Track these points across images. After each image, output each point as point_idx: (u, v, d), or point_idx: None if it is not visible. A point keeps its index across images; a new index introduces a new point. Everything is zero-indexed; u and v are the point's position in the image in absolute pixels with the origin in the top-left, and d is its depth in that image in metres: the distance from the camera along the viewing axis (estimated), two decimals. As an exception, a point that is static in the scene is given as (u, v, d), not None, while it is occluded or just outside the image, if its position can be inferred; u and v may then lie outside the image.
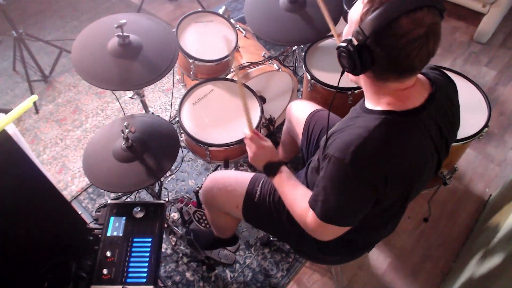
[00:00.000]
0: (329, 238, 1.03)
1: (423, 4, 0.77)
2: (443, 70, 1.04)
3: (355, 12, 0.85)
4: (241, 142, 1.58)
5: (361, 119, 0.92)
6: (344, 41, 0.86)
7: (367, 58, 0.83)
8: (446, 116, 0.97)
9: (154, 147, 1.44)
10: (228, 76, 1.87)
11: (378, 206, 0.97)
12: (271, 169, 1.14)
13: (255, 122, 1.64)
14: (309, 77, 1.79)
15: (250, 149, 1.18)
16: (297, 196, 1.08)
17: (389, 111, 0.89)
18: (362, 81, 0.96)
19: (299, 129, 1.52)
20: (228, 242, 1.70)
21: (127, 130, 1.34)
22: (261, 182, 1.32)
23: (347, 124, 0.94)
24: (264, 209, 1.28)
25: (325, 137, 1.00)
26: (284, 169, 1.14)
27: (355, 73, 0.89)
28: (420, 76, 0.97)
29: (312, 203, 0.98)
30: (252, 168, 1.94)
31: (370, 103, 0.95)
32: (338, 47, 0.88)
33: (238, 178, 1.36)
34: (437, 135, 0.96)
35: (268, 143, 1.18)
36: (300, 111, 1.55)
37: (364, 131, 0.87)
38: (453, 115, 1.02)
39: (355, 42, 0.83)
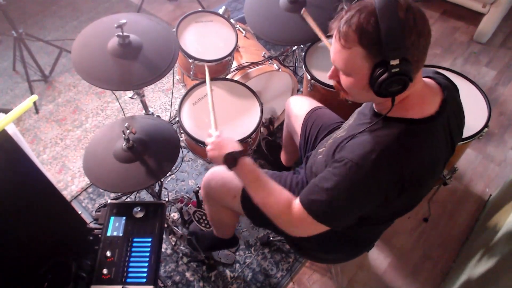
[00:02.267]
0: (307, 235, 1.00)
1: None
2: (443, 73, 1.05)
3: (352, 57, 0.84)
4: (241, 142, 1.58)
5: (378, 126, 0.91)
6: (381, 73, 0.81)
7: (408, 64, 0.82)
8: (455, 120, 0.98)
9: (155, 148, 1.44)
10: (228, 76, 1.87)
11: (385, 209, 0.97)
12: (231, 159, 1.08)
13: (255, 122, 1.64)
14: (309, 77, 1.79)
15: (209, 143, 1.17)
16: (271, 189, 1.04)
17: (407, 119, 0.88)
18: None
19: (298, 126, 1.52)
20: (229, 243, 1.70)
21: (128, 131, 1.34)
22: None
23: (361, 129, 0.93)
24: None
25: (331, 140, 0.99)
26: (248, 159, 1.08)
27: (407, 87, 0.85)
28: (429, 81, 0.97)
29: (309, 201, 0.95)
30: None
31: (382, 110, 0.93)
32: (383, 82, 0.82)
33: None
34: (448, 139, 0.96)
35: (229, 136, 1.14)
36: (299, 107, 1.55)
37: (383, 139, 0.87)
38: (460, 118, 1.03)
39: (396, 61, 0.80)
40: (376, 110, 0.96)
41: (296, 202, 0.98)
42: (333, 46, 0.89)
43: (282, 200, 1.01)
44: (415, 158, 0.87)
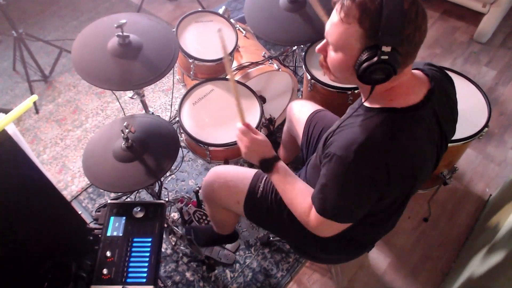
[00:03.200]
0: (330, 235, 1.03)
1: None
2: (439, 66, 1.05)
3: (347, 34, 0.84)
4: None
5: (362, 118, 0.92)
6: (370, 57, 0.81)
7: (397, 56, 0.81)
8: (445, 112, 0.98)
9: (154, 147, 1.44)
10: (228, 77, 1.87)
11: (380, 203, 0.97)
12: (267, 164, 1.11)
13: (255, 122, 1.64)
14: (309, 77, 1.79)
15: (242, 143, 1.13)
16: (297, 193, 1.07)
17: (390, 108, 0.89)
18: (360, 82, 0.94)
19: (300, 129, 1.53)
20: (228, 239, 1.69)
21: (127, 130, 1.34)
22: (264, 178, 1.31)
23: (348, 122, 0.94)
24: (265, 206, 1.28)
25: (325, 135, 1.00)
26: (281, 164, 1.11)
27: (389, 78, 0.85)
28: (417, 72, 0.97)
29: (313, 200, 0.99)
30: (250, 165, 1.93)
31: (369, 102, 0.95)
32: (369, 67, 0.82)
33: (241, 174, 1.35)
34: (436, 130, 0.96)
35: (261, 136, 1.13)
36: (301, 111, 1.55)
37: (365, 129, 0.87)
38: (452, 111, 1.03)
39: (388, 49, 0.80)
40: (365, 105, 0.96)
41: (312, 207, 1.01)
42: (331, 18, 0.88)
43: (303, 206, 1.04)
44: (397, 145, 0.88)
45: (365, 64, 0.83)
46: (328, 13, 1.70)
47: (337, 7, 0.85)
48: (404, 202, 1.10)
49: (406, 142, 0.89)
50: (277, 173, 1.10)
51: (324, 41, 0.93)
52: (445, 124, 0.98)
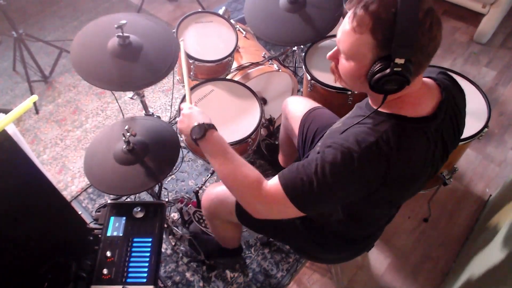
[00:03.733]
0: (274, 218, 0.98)
1: None
2: (453, 77, 1.03)
3: (359, 44, 0.82)
4: (241, 142, 1.58)
5: (371, 119, 0.90)
6: (382, 69, 0.80)
7: (410, 66, 0.80)
8: (451, 126, 0.96)
9: (155, 149, 1.43)
10: (228, 77, 1.87)
11: (366, 200, 0.95)
12: (199, 130, 1.04)
13: (255, 123, 1.65)
14: (309, 78, 1.79)
15: (181, 117, 1.12)
16: (241, 164, 0.99)
17: (400, 116, 0.88)
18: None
19: (295, 127, 1.52)
20: (233, 253, 1.72)
21: (128, 134, 1.34)
22: None
23: (355, 121, 0.92)
24: None
25: (328, 131, 0.98)
26: (217, 133, 1.04)
27: (402, 88, 0.83)
28: (429, 81, 0.95)
29: (288, 179, 0.90)
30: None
31: (376, 104, 0.93)
32: (382, 78, 0.81)
33: None
34: (440, 145, 0.95)
35: (201, 110, 1.12)
36: (296, 107, 1.55)
37: (375, 131, 0.86)
38: (459, 125, 1.00)
39: (401, 61, 0.78)
40: (371, 104, 0.96)
41: (272, 180, 0.94)
42: (342, 26, 0.86)
43: (253, 175, 0.96)
44: (402, 155, 0.86)
45: (377, 75, 0.81)
46: (324, 14, 1.71)
47: (350, 15, 0.83)
48: (391, 207, 1.08)
49: (408, 153, 0.88)
50: (211, 140, 1.03)
51: (336, 48, 0.91)
52: (448, 139, 0.96)
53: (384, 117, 0.89)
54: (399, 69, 0.78)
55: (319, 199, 0.90)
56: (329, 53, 0.93)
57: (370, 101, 0.97)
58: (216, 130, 1.06)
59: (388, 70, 0.79)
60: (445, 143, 0.96)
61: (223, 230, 1.51)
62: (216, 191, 1.38)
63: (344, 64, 0.89)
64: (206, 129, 1.04)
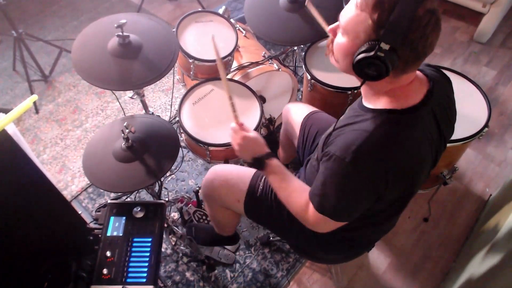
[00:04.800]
0: (328, 231, 1.04)
1: None
2: (438, 67, 1.05)
3: (357, 21, 0.84)
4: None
5: (362, 118, 0.92)
6: (368, 50, 0.82)
7: (395, 58, 0.82)
8: (444, 112, 0.98)
9: (154, 147, 1.44)
10: (228, 76, 1.87)
11: (378, 204, 0.97)
12: (260, 161, 1.11)
13: (255, 122, 1.65)
14: (309, 77, 1.79)
15: (235, 142, 1.14)
16: (293, 190, 1.07)
17: (390, 110, 0.89)
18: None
19: (296, 131, 1.53)
20: (229, 240, 1.69)
21: (127, 130, 1.34)
22: (264, 177, 1.31)
23: (347, 122, 0.94)
24: (265, 204, 1.28)
25: (323, 136, 1.00)
26: (275, 162, 1.11)
27: (381, 78, 0.85)
28: (417, 72, 0.97)
29: (311, 197, 0.99)
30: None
31: (369, 103, 0.95)
32: (364, 59, 0.83)
33: (241, 172, 1.35)
34: (435, 130, 0.96)
35: (254, 134, 1.14)
36: (297, 113, 1.56)
37: (365, 130, 0.87)
38: (451, 110, 1.03)
39: (386, 47, 0.80)
40: (363, 103, 0.97)
41: (310, 204, 1.01)
42: (350, 2, 0.89)
43: (302, 200, 1.03)
44: (396, 147, 0.88)
45: (361, 55, 0.83)
46: (326, 18, 1.71)
47: None
48: (404, 203, 1.10)
49: (405, 144, 0.89)
50: (271, 170, 1.10)
51: (337, 22, 0.93)
52: (443, 124, 0.98)
53: (375, 113, 0.90)
54: (382, 54, 0.80)
55: (347, 208, 0.97)
56: (331, 26, 0.96)
57: (362, 99, 0.98)
58: (274, 156, 1.12)
59: (372, 53, 0.81)
60: (440, 129, 0.97)
61: (221, 212, 1.46)
62: (225, 173, 1.35)
63: (339, 40, 0.91)
64: (265, 162, 1.11)
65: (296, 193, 1.06)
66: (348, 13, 0.86)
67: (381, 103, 0.91)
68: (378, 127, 0.87)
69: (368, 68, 0.84)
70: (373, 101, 0.93)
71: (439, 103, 0.96)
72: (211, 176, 1.37)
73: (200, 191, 1.67)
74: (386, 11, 0.79)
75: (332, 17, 1.80)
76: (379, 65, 0.82)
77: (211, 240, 1.69)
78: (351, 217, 1.00)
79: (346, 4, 0.89)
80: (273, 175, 1.10)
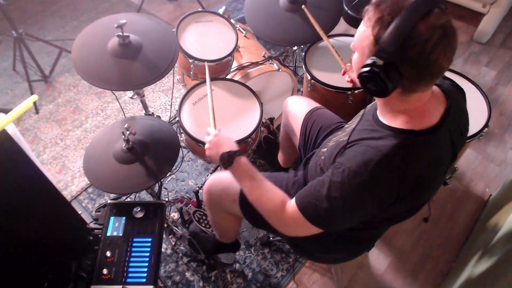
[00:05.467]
0: (300, 235, 1.01)
1: (432, 6, 0.78)
2: (450, 78, 1.04)
3: (363, 36, 0.85)
4: (241, 142, 1.58)
5: (379, 135, 0.90)
6: (366, 65, 0.83)
7: (395, 75, 0.81)
8: (458, 128, 0.97)
9: (155, 148, 1.43)
10: (228, 76, 1.87)
11: (381, 213, 0.97)
12: (227, 157, 1.09)
13: (255, 122, 1.64)
14: (309, 77, 1.79)
15: (207, 141, 1.17)
16: (267, 189, 1.05)
17: (408, 131, 0.88)
18: (378, 98, 0.94)
19: (296, 126, 1.52)
20: (230, 247, 1.70)
21: (127, 132, 1.34)
22: None
23: (362, 136, 0.93)
24: None
25: (333, 143, 0.99)
26: (243, 159, 1.09)
27: (385, 94, 0.85)
28: (434, 88, 0.96)
29: (304, 203, 0.96)
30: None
31: (385, 119, 0.93)
32: (362, 73, 0.84)
33: None
34: (449, 148, 0.95)
35: (227, 135, 1.14)
36: (297, 107, 1.55)
37: (382, 149, 0.86)
38: (464, 125, 1.02)
39: (380, 62, 0.81)
40: (378, 117, 0.95)
41: (291, 202, 0.99)
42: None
43: (277, 199, 1.02)
44: (412, 170, 0.87)
45: (362, 70, 0.84)
46: (324, 14, 1.72)
47: (367, 7, 0.87)
48: (405, 216, 1.09)
49: (420, 168, 0.88)
50: (240, 168, 1.08)
51: None
52: (456, 141, 0.97)
53: (392, 131, 0.89)
54: (377, 69, 0.81)
55: (336, 219, 0.95)
56: (352, 43, 0.97)
57: (378, 112, 0.97)
58: (242, 155, 1.11)
59: (368, 68, 0.82)
60: (454, 145, 0.97)
61: (222, 219, 1.48)
62: (220, 178, 1.36)
63: (354, 55, 0.93)
64: (233, 157, 1.09)
65: (271, 192, 1.04)
66: (359, 29, 0.88)
67: (398, 122, 0.90)
68: (395, 148, 0.86)
69: (367, 83, 0.85)
70: (390, 118, 0.92)
71: (454, 119, 0.95)
72: (209, 184, 1.39)
73: (201, 199, 1.68)
74: (384, 27, 0.80)
75: (332, 18, 1.81)
76: (376, 80, 0.82)
77: (214, 248, 1.70)
78: (340, 228, 0.99)
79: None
80: (242, 173, 1.08)
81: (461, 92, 1.03)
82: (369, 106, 1.08)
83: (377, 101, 0.96)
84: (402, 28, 0.78)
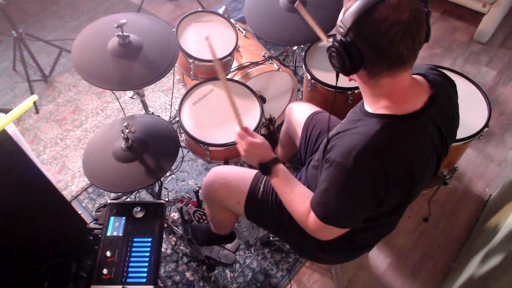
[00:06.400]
0: (330, 238, 1.04)
1: None
2: (442, 70, 1.05)
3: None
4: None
5: (362, 123, 0.92)
6: (332, 41, 0.87)
7: (354, 53, 0.84)
8: (446, 118, 0.98)
9: (154, 147, 1.43)
10: (228, 76, 1.87)
11: (379, 208, 0.97)
12: (266, 167, 1.12)
13: (255, 122, 1.64)
14: (309, 77, 1.79)
15: (241, 147, 1.15)
16: (296, 196, 1.08)
17: (389, 115, 0.89)
18: (358, 82, 0.96)
19: (299, 130, 1.53)
20: (226, 239, 1.69)
21: (127, 130, 1.34)
22: (265, 179, 1.31)
23: (348, 127, 0.94)
24: (266, 206, 1.28)
25: (325, 139, 1.00)
26: (280, 167, 1.11)
27: (348, 72, 0.89)
28: (418, 77, 0.97)
29: (313, 205, 0.99)
30: (251, 167, 1.93)
31: (369, 106, 0.95)
32: (328, 48, 0.89)
33: (241, 174, 1.35)
34: (437, 137, 0.96)
35: (260, 139, 1.14)
36: (300, 113, 1.55)
37: (365, 136, 0.87)
38: (453, 116, 1.02)
39: (339, 38, 0.85)
40: (364, 107, 0.97)
41: (311, 211, 1.01)
42: None
43: (302, 208, 1.04)
44: (396, 152, 0.88)
45: (329, 46, 0.90)
46: (324, 14, 1.71)
47: None
48: (404, 206, 1.10)
49: (406, 150, 0.89)
50: (276, 176, 1.11)
51: None
52: (445, 130, 0.97)
53: (375, 117, 0.90)
54: (336, 44, 0.86)
55: (341, 213, 0.96)
56: None
57: (364, 102, 0.98)
58: (280, 162, 1.12)
59: (330, 43, 0.88)
60: (442, 136, 0.97)
61: (220, 213, 1.47)
62: (225, 174, 1.36)
63: None
64: (272, 167, 1.11)
65: (299, 199, 1.06)
66: None
67: (380, 107, 0.91)
68: (378, 132, 0.87)
69: (332, 59, 0.91)
70: (372, 104, 0.93)
71: (441, 108, 0.95)
72: (211, 178, 1.37)
73: (200, 191, 1.67)
74: (347, 6, 0.84)
75: (332, 18, 1.81)
76: (338, 56, 0.87)
77: (208, 240, 1.69)
78: (354, 224, 1.00)
79: None
80: (278, 180, 1.11)
81: (451, 84, 1.03)
82: (359, 103, 1.08)
83: (359, 86, 0.97)
84: (360, 7, 0.80)
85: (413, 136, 0.90)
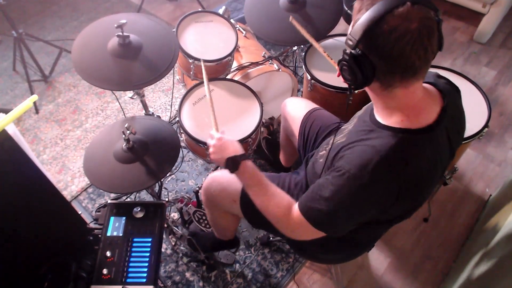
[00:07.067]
0: (306, 239, 1.02)
1: (405, 0, 0.79)
2: (442, 70, 1.04)
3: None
4: (241, 142, 1.58)
5: (375, 134, 0.90)
6: (343, 54, 0.86)
7: (366, 65, 0.83)
8: (455, 127, 0.97)
9: (155, 148, 1.44)
10: (228, 76, 1.87)
11: (383, 215, 0.97)
12: (233, 161, 1.08)
13: (255, 122, 1.65)
14: (309, 77, 1.79)
15: (210, 143, 1.15)
16: (273, 194, 1.05)
17: (404, 129, 0.88)
18: (371, 95, 0.94)
19: (295, 128, 1.52)
20: (229, 244, 1.70)
21: (128, 132, 1.34)
22: None
23: (359, 137, 0.93)
24: None
25: (330, 140, 0.99)
26: (250, 163, 1.08)
27: (360, 84, 0.87)
28: (429, 87, 0.95)
29: (306, 209, 0.96)
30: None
31: (381, 117, 0.93)
32: (339, 62, 0.88)
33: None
34: (447, 147, 0.95)
35: (231, 137, 1.13)
36: (296, 109, 1.55)
37: (380, 150, 0.86)
38: (461, 124, 1.02)
39: (349, 50, 0.84)
40: (375, 116, 0.95)
41: (295, 207, 0.99)
42: None
43: (282, 204, 1.02)
44: (412, 168, 0.87)
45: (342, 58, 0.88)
46: (324, 14, 1.72)
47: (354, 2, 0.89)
48: (405, 215, 1.09)
49: (419, 165, 0.88)
50: (246, 172, 1.07)
51: None
52: (454, 139, 0.97)
53: (389, 131, 0.89)
54: (347, 57, 0.84)
55: (340, 222, 0.95)
56: None
57: (374, 111, 0.97)
58: (248, 159, 1.09)
59: (341, 56, 0.87)
60: (451, 144, 0.97)
61: (221, 217, 1.48)
62: (219, 177, 1.36)
63: None
64: (239, 162, 1.07)
65: (277, 197, 1.04)
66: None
67: (394, 121, 0.90)
68: (393, 147, 0.86)
69: (344, 72, 0.89)
70: (385, 116, 0.92)
71: (452, 119, 0.95)
72: (208, 183, 1.38)
73: (200, 198, 1.68)
74: (355, 18, 0.83)
75: (332, 18, 1.81)
76: (349, 69, 0.86)
77: (212, 246, 1.70)
78: (344, 231, 0.99)
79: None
80: (249, 177, 1.07)
81: (456, 90, 1.03)
82: (364, 107, 1.08)
83: (371, 98, 0.96)
84: (368, 19, 0.79)
85: (427, 151, 0.89)
